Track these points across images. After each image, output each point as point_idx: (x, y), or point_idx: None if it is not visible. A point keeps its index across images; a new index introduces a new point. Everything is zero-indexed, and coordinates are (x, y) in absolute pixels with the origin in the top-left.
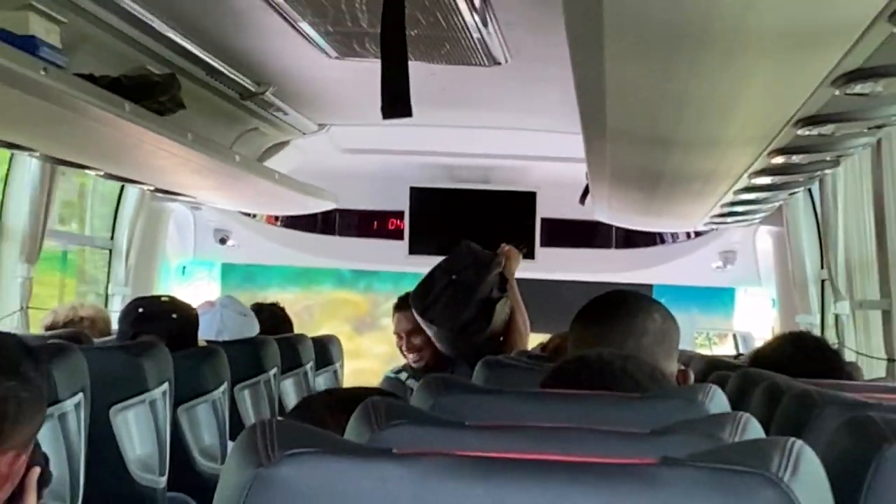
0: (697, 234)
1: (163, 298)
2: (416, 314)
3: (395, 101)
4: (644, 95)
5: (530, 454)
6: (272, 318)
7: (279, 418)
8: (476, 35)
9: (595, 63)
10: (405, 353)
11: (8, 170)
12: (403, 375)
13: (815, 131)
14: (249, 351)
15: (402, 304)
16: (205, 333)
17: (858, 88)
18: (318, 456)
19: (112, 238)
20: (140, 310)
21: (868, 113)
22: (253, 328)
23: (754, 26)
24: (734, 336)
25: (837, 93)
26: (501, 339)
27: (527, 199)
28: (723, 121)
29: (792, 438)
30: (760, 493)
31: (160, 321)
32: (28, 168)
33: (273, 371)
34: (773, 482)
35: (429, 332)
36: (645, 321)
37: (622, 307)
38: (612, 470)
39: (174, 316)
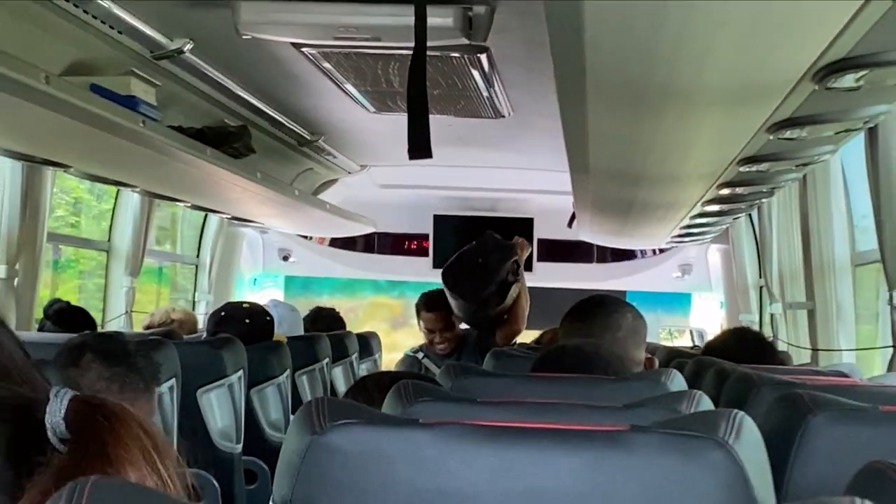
0: (661, 250)
1: (243, 304)
2: (445, 288)
3: (419, 146)
4: (619, 140)
5: (528, 423)
6: (329, 318)
7: (330, 397)
8: (484, 94)
9: (580, 115)
10: (435, 343)
11: (115, 203)
12: (420, 354)
13: (754, 168)
14: (307, 345)
15: (433, 305)
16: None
17: (788, 134)
18: (360, 426)
19: (198, 256)
20: (222, 313)
21: (797, 154)
22: (300, 319)
23: (706, 83)
24: (690, 331)
25: (772, 138)
26: (506, 316)
27: (526, 224)
28: (681, 160)
29: (735, 410)
30: (710, 454)
31: (236, 322)
32: (131, 200)
33: (325, 360)
34: (720, 445)
35: (452, 303)
36: (619, 318)
37: (601, 307)
38: (592, 435)
39: (247, 320)
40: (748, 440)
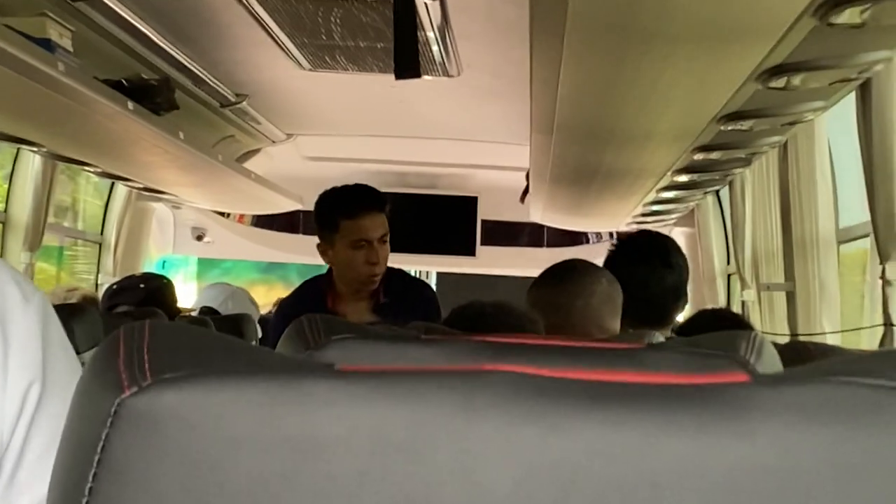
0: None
1: (136, 274)
2: None
3: (406, 65)
4: (592, 90)
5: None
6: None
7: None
8: (434, 48)
9: (553, 59)
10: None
11: (13, 166)
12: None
13: (735, 126)
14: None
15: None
16: (211, 301)
17: (779, 83)
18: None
19: (102, 233)
20: (114, 286)
21: (784, 109)
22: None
23: (696, 21)
24: None
25: (760, 87)
26: None
27: (469, 203)
28: (658, 114)
29: (755, 331)
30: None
31: (132, 291)
32: (31, 165)
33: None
34: (741, 364)
35: None
36: (593, 284)
37: (573, 272)
38: (604, 351)
39: (142, 285)
40: (768, 361)
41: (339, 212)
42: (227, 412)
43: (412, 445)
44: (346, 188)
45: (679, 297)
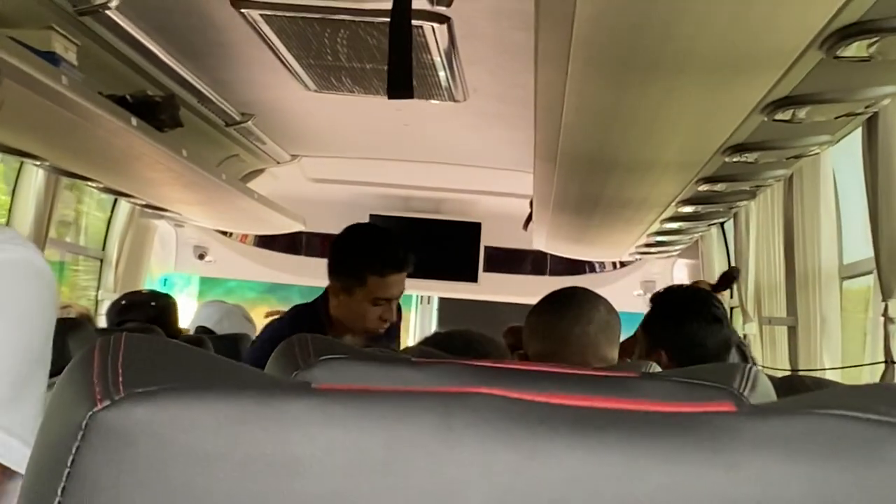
0: (622, 264)
1: (143, 291)
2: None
3: (399, 84)
4: (597, 118)
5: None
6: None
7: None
8: (441, 72)
9: (557, 84)
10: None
11: (17, 180)
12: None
13: (741, 158)
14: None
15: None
16: (206, 320)
17: (785, 115)
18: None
19: (104, 249)
20: (123, 301)
21: (790, 142)
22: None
23: (703, 50)
24: None
25: (766, 119)
26: None
27: (472, 230)
28: (662, 144)
29: (749, 364)
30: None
31: (141, 308)
32: (34, 180)
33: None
34: (734, 395)
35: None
36: (591, 312)
37: (572, 299)
38: (595, 378)
39: (153, 304)
40: (763, 393)
41: (369, 268)
42: (200, 428)
43: (389, 466)
44: (374, 237)
45: (729, 349)
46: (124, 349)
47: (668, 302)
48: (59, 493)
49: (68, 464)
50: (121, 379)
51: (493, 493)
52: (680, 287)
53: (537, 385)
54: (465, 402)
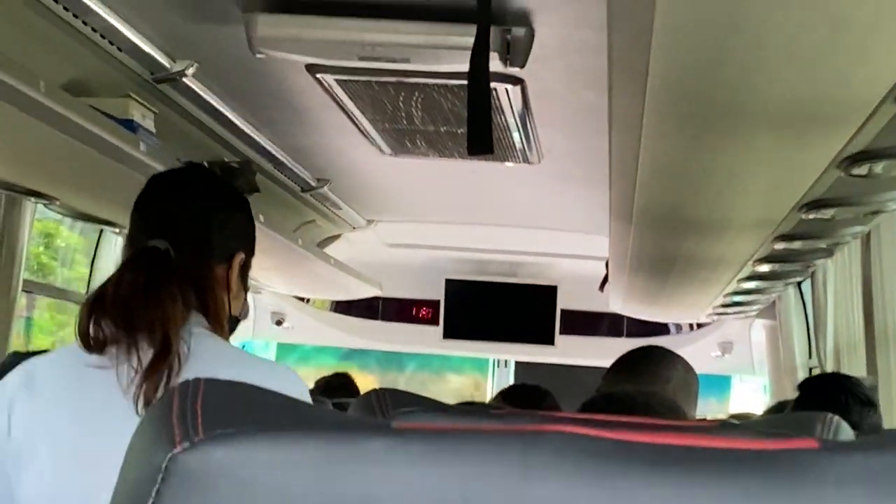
0: (699, 325)
1: None
2: None
3: (479, 141)
4: (672, 175)
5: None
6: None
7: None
8: (514, 134)
9: (633, 140)
10: None
11: (97, 247)
12: None
13: (817, 215)
14: None
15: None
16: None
17: (861, 170)
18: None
19: None
20: None
21: (865, 198)
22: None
23: (774, 106)
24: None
25: (842, 174)
26: None
27: (549, 293)
28: (738, 201)
29: (830, 413)
30: None
31: None
32: (113, 246)
33: None
34: (818, 439)
35: None
36: (669, 370)
37: (650, 358)
38: (675, 426)
39: None
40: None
41: None
42: (280, 469)
43: None
44: None
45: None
46: (203, 392)
47: (816, 389)
48: None
49: None
50: (200, 420)
51: None
52: (827, 375)
53: (613, 427)
54: (544, 440)
